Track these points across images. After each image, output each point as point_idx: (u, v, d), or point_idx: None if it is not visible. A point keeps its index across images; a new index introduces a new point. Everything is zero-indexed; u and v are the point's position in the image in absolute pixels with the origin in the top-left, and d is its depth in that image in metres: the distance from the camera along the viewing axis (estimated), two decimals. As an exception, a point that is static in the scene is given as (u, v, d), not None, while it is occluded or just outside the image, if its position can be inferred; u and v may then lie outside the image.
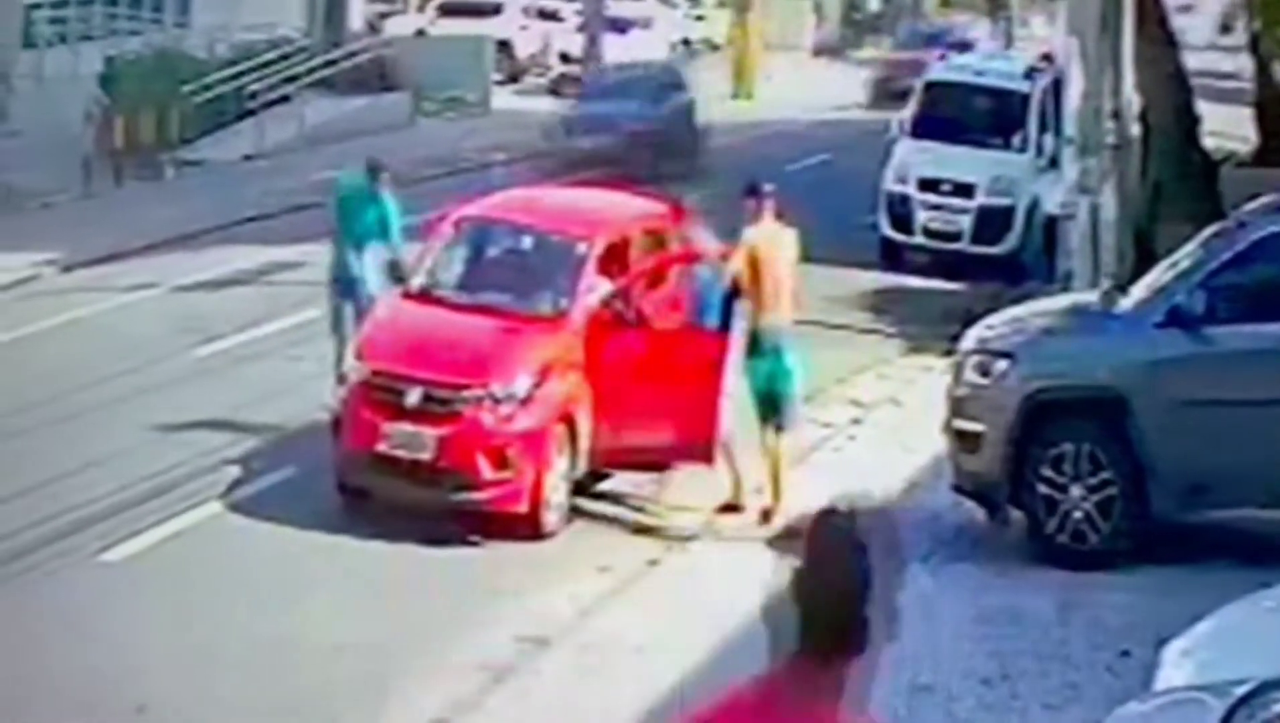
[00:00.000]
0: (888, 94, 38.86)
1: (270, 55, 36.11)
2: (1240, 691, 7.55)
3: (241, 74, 35.06)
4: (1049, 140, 24.10)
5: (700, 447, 14.81)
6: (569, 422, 14.69)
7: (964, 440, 13.90)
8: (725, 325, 14.77)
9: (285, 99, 35.80)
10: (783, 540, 5.17)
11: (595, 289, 15.04)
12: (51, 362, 19.65)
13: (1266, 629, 8.85)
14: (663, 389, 14.62)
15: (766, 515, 14.68)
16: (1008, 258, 24.63)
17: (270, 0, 38.14)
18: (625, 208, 16.43)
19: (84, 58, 33.35)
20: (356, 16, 46.25)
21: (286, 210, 27.83)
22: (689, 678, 11.54)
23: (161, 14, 37.15)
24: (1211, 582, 11.11)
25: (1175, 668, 8.68)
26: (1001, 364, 13.77)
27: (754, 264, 14.63)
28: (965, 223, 25.21)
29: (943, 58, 29.71)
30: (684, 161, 29.39)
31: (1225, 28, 49.54)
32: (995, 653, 11.82)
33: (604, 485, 15.40)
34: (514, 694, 11.51)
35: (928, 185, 25.41)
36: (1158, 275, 14.25)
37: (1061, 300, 16.54)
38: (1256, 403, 12.91)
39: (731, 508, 14.91)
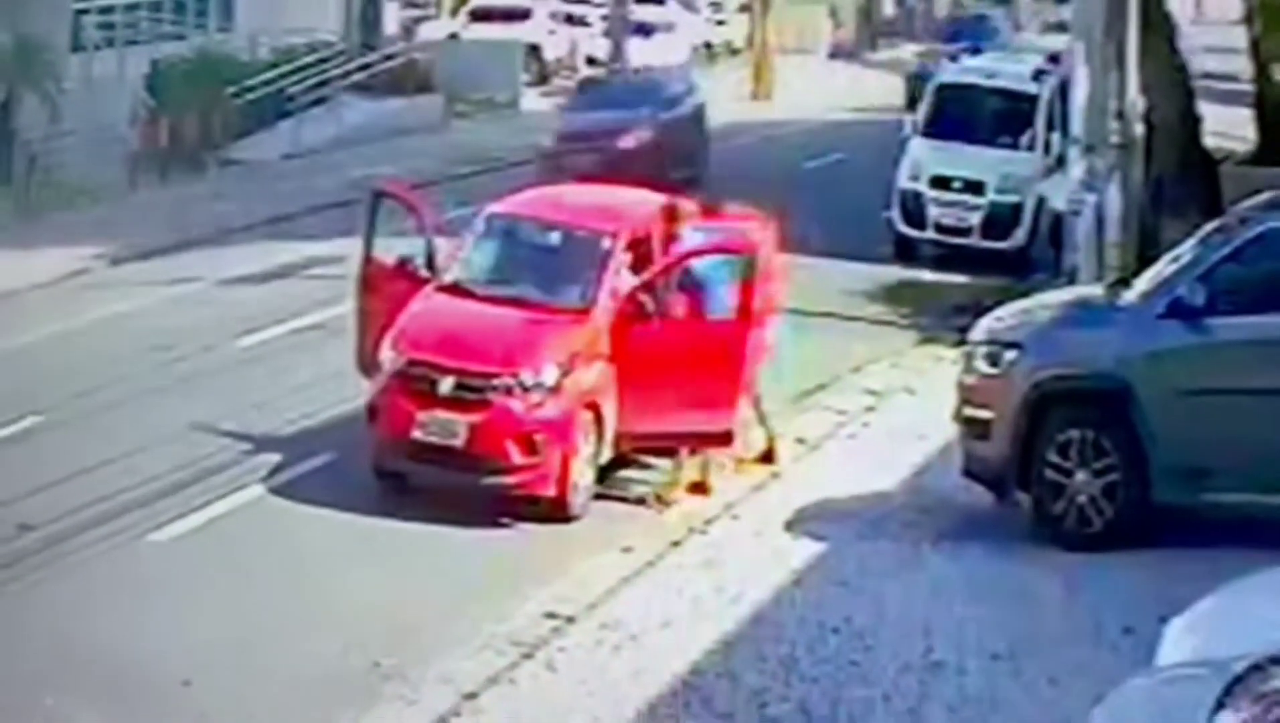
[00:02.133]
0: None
1: (309, 59, 36.19)
2: (1238, 667, 7.51)
3: (281, 77, 35.14)
4: (1056, 140, 24.03)
5: (719, 432, 14.84)
6: (594, 409, 14.72)
7: (974, 427, 13.86)
8: (744, 314, 14.78)
9: (323, 101, 35.88)
10: None
11: (620, 282, 15.06)
12: (100, 351, 19.75)
13: (1264, 608, 8.79)
14: (683, 377, 14.62)
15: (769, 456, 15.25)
16: (1016, 252, 24.60)
17: (309, 6, 38.17)
18: (647, 204, 16.45)
19: (131, 61, 33.43)
20: (391, 21, 46.28)
21: (324, 207, 27.89)
22: (708, 653, 11.59)
23: (205, 19, 37.21)
24: (1211, 563, 11.03)
25: (1176, 645, 8.65)
26: (1010, 354, 13.72)
27: None
28: (975, 219, 25.19)
29: (954, 59, 29.67)
30: (692, 169, 28.55)
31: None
32: (1004, 630, 11.81)
33: (627, 470, 15.41)
34: (542, 668, 11.51)
35: (940, 183, 25.38)
36: (1160, 269, 14.19)
37: (1067, 293, 16.46)
38: (1254, 392, 12.83)
39: (767, 458, 15.52)
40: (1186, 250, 13.98)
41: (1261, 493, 12.64)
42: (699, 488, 15.08)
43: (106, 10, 34.22)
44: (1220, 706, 7.23)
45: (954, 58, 30.10)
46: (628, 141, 29.19)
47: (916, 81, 36.26)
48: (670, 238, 15.73)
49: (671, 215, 16.01)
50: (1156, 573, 12.38)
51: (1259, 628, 8.20)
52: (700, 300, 15.11)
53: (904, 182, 25.65)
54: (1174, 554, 12.75)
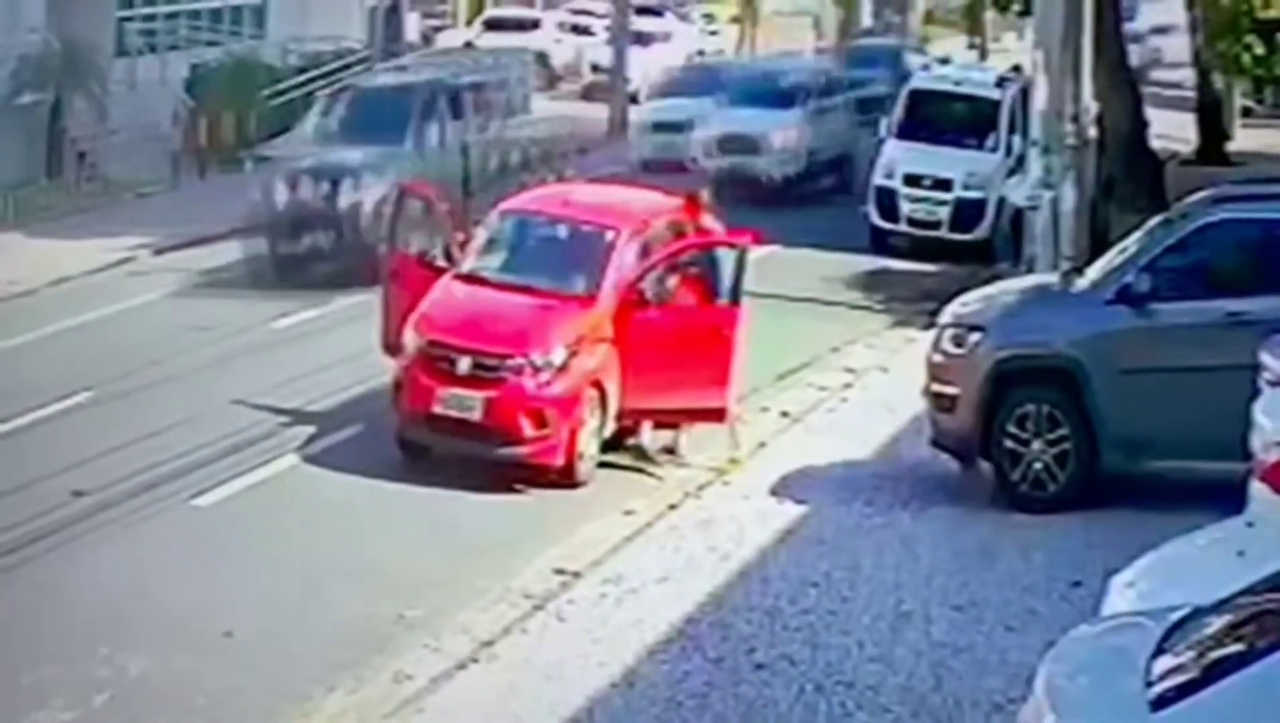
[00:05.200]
0: None
1: (335, 64, 36.08)
2: (1175, 616, 7.55)
3: (310, 81, 35.04)
4: (1017, 141, 24.06)
5: (713, 408, 14.93)
6: (599, 387, 14.76)
7: (941, 402, 13.92)
8: (735, 301, 14.90)
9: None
10: None
11: (624, 272, 15.12)
12: (146, 333, 19.68)
13: (1199, 564, 8.76)
14: (681, 358, 14.66)
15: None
16: (980, 244, 24.58)
17: (336, 16, 38.03)
18: (646, 201, 16.53)
19: (171, 65, 33.27)
20: (412, 30, 46.15)
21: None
22: (701, 605, 11.69)
23: (240, 26, 37.07)
24: (1152, 523, 11.07)
25: (1120, 597, 8.67)
26: (974, 336, 13.77)
27: None
28: (944, 213, 25.23)
29: (926, 68, 29.73)
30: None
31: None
32: (966, 584, 11.87)
33: (629, 441, 15.46)
34: (552, 618, 11.55)
35: (911, 180, 25.42)
36: (1109, 259, 14.21)
37: (1026, 281, 16.45)
38: (1193, 370, 12.88)
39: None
40: (1133, 242, 14.02)
41: (1198, 460, 12.66)
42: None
43: (149, 18, 34.07)
44: (1159, 651, 7.25)
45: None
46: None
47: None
48: (676, 231, 15.80)
49: (692, 209, 16.07)
50: (1103, 533, 12.44)
51: (1194, 581, 8.16)
52: (713, 286, 15.20)
53: (879, 179, 25.70)
54: (1119, 516, 12.80)
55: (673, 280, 15.29)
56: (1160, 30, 48.53)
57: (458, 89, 24.78)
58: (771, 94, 29.87)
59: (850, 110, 31.22)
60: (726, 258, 15.10)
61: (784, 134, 28.80)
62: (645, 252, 15.36)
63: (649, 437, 15.40)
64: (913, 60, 36.54)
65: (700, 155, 28.91)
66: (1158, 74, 44.49)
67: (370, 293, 17.79)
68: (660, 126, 31.77)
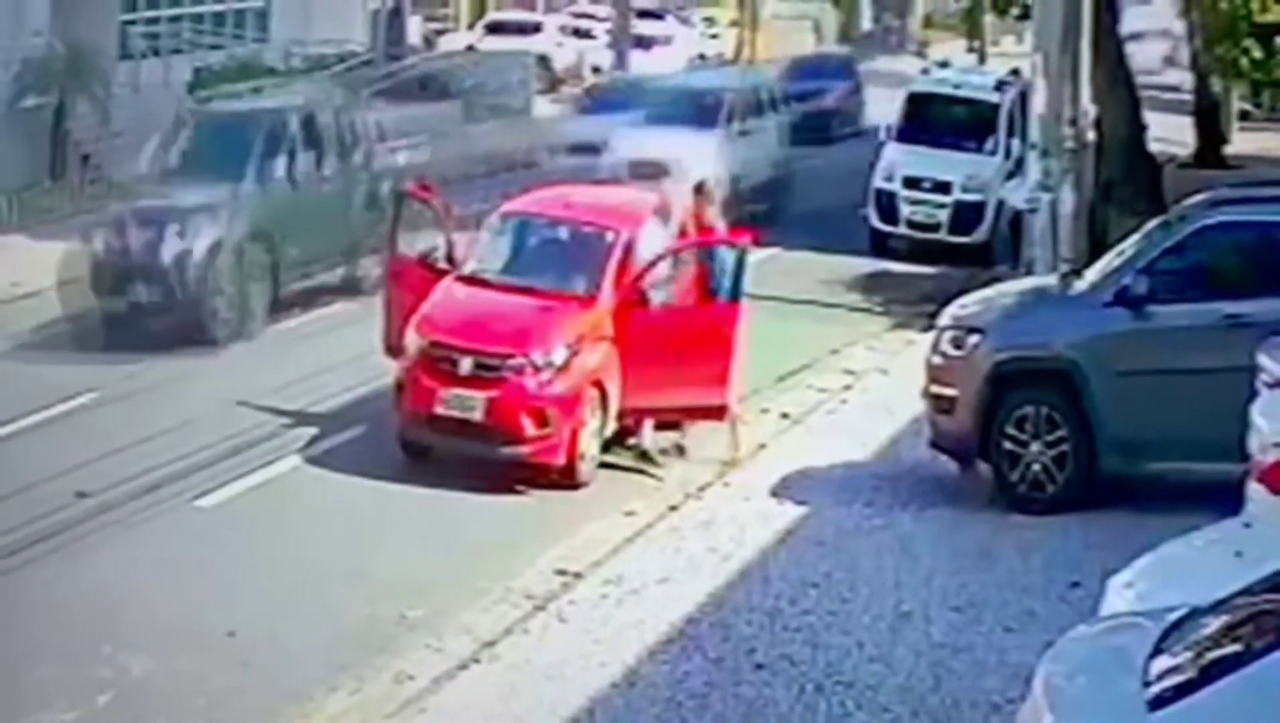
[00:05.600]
0: None
1: (338, 67, 36.11)
2: (1173, 616, 7.54)
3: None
4: (1016, 144, 24.10)
5: (714, 407, 14.93)
6: (600, 386, 14.77)
7: (940, 403, 13.92)
8: (735, 299, 14.90)
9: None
10: None
11: (625, 272, 15.12)
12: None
13: (1196, 564, 8.76)
14: (681, 357, 14.66)
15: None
16: (979, 246, 24.62)
17: (339, 19, 38.03)
18: (645, 201, 16.55)
19: (174, 69, 33.29)
20: (414, 33, 46.18)
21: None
22: (702, 606, 11.68)
23: (243, 30, 37.07)
24: (1150, 524, 11.09)
25: (1118, 597, 8.66)
26: (973, 338, 13.78)
27: None
28: (943, 216, 25.27)
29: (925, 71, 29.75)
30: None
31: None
32: (965, 585, 11.88)
33: (630, 441, 15.45)
34: (553, 619, 11.56)
35: (911, 183, 25.45)
36: (1107, 262, 14.22)
37: (1025, 283, 16.46)
38: (1190, 372, 12.87)
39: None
40: (1131, 245, 14.03)
41: (1196, 462, 12.65)
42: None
43: (152, 21, 34.08)
44: (1157, 651, 7.25)
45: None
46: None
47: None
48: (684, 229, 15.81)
49: (700, 204, 16.06)
50: (1101, 534, 12.45)
51: (1192, 582, 8.16)
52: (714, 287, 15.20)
53: (879, 181, 25.73)
54: (1117, 517, 12.80)
55: (673, 279, 15.28)
56: (1135, 37, 48.68)
57: (312, 115, 21.44)
58: (692, 112, 26.51)
59: (784, 129, 29.04)
60: (725, 257, 15.09)
61: (698, 157, 23.80)
62: (644, 251, 15.34)
63: (650, 437, 15.39)
64: (911, 65, 36.07)
65: (609, 180, 24.13)
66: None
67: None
68: (575, 149, 27.68)
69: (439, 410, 14.64)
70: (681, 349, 14.69)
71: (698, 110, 26.84)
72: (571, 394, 14.54)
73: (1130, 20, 49.99)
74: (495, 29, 46.64)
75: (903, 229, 25.48)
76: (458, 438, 14.67)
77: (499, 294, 15.34)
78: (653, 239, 15.40)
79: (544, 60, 41.97)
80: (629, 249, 15.28)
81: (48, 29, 29.64)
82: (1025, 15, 26.59)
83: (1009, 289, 15.59)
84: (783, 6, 54.73)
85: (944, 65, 30.50)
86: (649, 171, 23.71)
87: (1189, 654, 7.18)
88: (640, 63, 40.78)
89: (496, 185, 23.51)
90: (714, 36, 54.73)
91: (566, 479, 14.56)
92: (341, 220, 21.04)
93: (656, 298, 15.14)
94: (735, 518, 13.53)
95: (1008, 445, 13.48)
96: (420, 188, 17.40)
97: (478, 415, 14.54)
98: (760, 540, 12.98)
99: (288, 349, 18.85)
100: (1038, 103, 18.99)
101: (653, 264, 15.16)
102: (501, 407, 14.48)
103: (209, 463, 14.91)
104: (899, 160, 25.71)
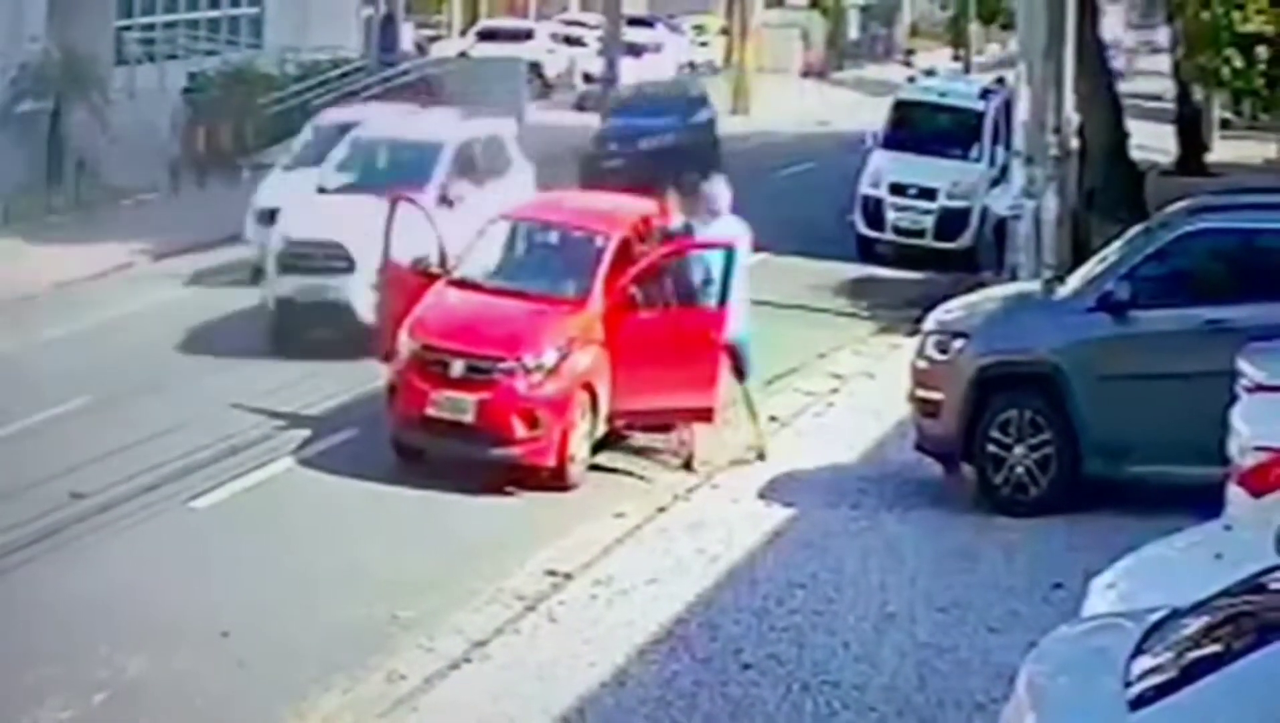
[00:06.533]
0: None
1: (332, 74, 36.09)
2: (1154, 617, 7.54)
3: (307, 90, 35.07)
4: (1000, 152, 24.11)
5: (702, 409, 14.92)
6: (590, 389, 14.78)
7: (925, 407, 13.93)
8: (723, 303, 14.89)
9: (344, 112, 35.66)
10: None
11: (615, 276, 15.11)
12: (144, 338, 19.63)
13: (1177, 566, 8.76)
14: (670, 360, 14.66)
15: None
16: (964, 252, 24.60)
17: (333, 26, 38.04)
18: (634, 206, 16.58)
19: (170, 74, 33.32)
20: (407, 40, 46.18)
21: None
22: (690, 606, 11.67)
23: (237, 36, 37.09)
24: (1132, 527, 11.08)
25: (1100, 598, 8.67)
26: (958, 342, 13.78)
27: None
28: (929, 222, 25.27)
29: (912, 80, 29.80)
30: (704, 173, 27.25)
31: None
32: (949, 586, 11.88)
33: (620, 444, 15.46)
34: (543, 619, 11.56)
35: (897, 189, 25.46)
36: (1090, 268, 14.22)
37: (1009, 288, 16.43)
38: (1172, 376, 12.88)
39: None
40: (1114, 251, 14.05)
41: (1177, 465, 12.66)
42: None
43: (148, 28, 34.12)
44: (1138, 652, 7.25)
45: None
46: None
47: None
48: (662, 236, 15.81)
49: (656, 215, 16.07)
50: (1084, 536, 12.43)
51: (1173, 583, 8.17)
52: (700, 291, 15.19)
53: (865, 188, 25.75)
54: (1100, 519, 12.79)
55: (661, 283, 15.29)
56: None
57: None
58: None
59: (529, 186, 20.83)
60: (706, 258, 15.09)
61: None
62: (634, 254, 15.36)
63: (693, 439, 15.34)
64: (897, 73, 35.29)
65: None
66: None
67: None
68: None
69: (431, 412, 14.65)
70: (670, 352, 14.69)
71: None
72: (562, 397, 14.55)
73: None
74: (487, 36, 46.71)
75: (889, 235, 25.48)
76: (449, 440, 14.68)
77: (490, 298, 15.36)
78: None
79: (535, 67, 41.99)
80: (619, 253, 15.30)
81: (44, 34, 29.63)
82: (1009, 25, 26.62)
83: (993, 294, 15.59)
84: (771, 15, 54.75)
85: (930, 74, 30.53)
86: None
87: (1169, 655, 7.18)
88: (631, 70, 40.83)
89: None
90: (703, 44, 54.81)
91: (556, 481, 14.56)
92: None
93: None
94: (723, 520, 13.54)
95: (992, 449, 13.49)
96: (411, 194, 17.38)
97: (469, 417, 14.55)
98: (748, 542, 12.98)
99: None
100: (1022, 111, 18.99)
101: (644, 268, 15.16)
102: (492, 409, 14.49)
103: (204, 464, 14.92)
104: (885, 167, 25.73)
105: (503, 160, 21.34)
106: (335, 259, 18.33)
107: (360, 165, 20.39)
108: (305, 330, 18.41)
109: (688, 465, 15.08)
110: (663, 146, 29.27)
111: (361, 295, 17.59)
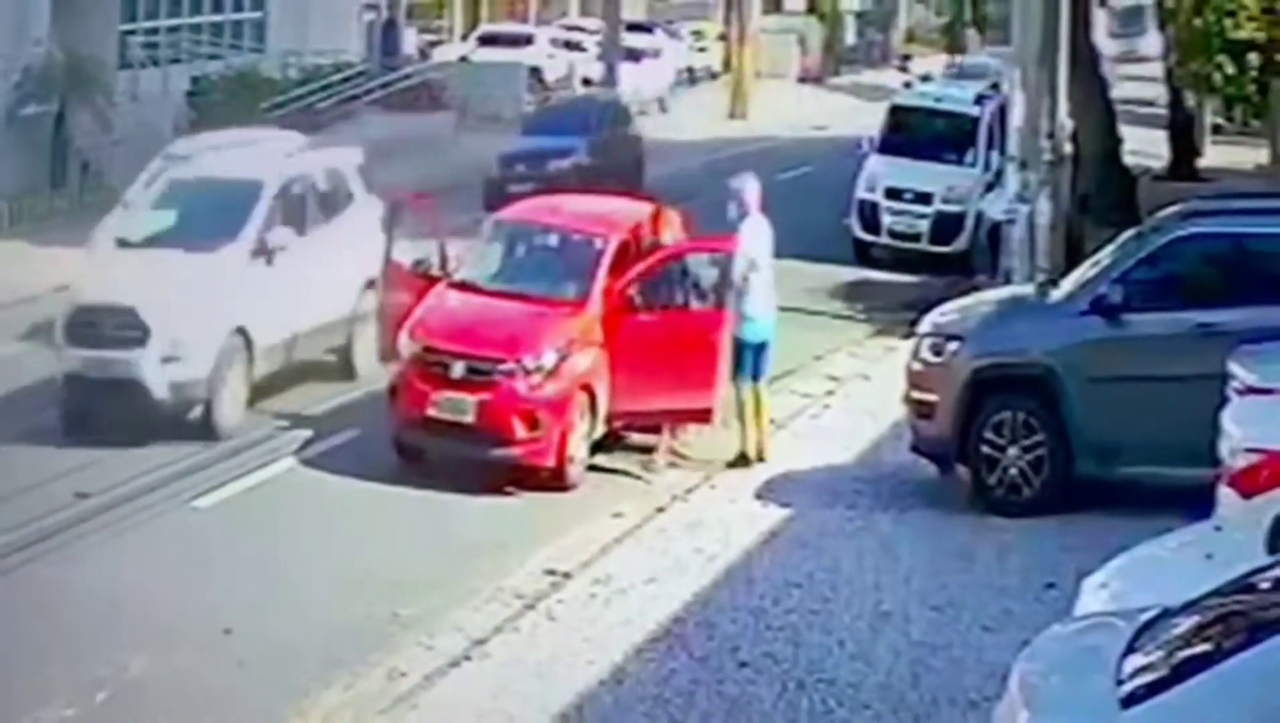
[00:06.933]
0: None
1: (334, 78, 36.12)
2: (1146, 616, 7.57)
3: (309, 94, 35.12)
4: (995, 157, 24.14)
5: (700, 410, 14.96)
6: (589, 390, 14.80)
7: (920, 408, 13.95)
8: (720, 305, 14.92)
9: (347, 116, 35.77)
10: None
11: (614, 278, 15.13)
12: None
13: (1169, 566, 8.83)
14: (668, 362, 14.69)
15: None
16: (959, 256, 24.58)
17: (335, 30, 38.06)
18: (631, 210, 16.60)
19: (173, 78, 33.33)
20: (409, 44, 46.20)
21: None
22: (688, 605, 11.70)
23: (240, 40, 37.09)
24: (1124, 527, 11.13)
25: (1092, 597, 8.73)
26: (952, 345, 13.81)
27: None
28: (924, 226, 25.28)
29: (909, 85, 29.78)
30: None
31: None
32: (944, 585, 11.90)
33: (618, 445, 15.46)
34: (542, 618, 11.58)
35: (893, 194, 25.47)
36: (1083, 271, 14.25)
37: (1003, 292, 16.46)
38: (1163, 378, 12.90)
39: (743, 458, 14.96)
40: (1107, 255, 14.08)
41: (1168, 467, 12.68)
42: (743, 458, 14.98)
43: (151, 31, 34.12)
44: (1130, 650, 7.28)
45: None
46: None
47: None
48: (659, 238, 15.85)
49: (653, 218, 16.07)
50: (1077, 536, 12.45)
51: (1164, 583, 8.21)
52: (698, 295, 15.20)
53: (862, 192, 25.76)
54: (1092, 520, 12.81)
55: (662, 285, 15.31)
56: None
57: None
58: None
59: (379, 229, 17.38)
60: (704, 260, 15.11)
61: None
62: (632, 257, 15.37)
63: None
64: (893, 78, 34.58)
65: None
66: None
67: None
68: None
69: (432, 413, 14.65)
70: (669, 354, 14.70)
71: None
72: (561, 398, 14.57)
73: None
74: (488, 41, 46.64)
75: (885, 239, 25.49)
76: (450, 440, 14.68)
77: (491, 300, 15.36)
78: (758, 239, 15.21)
79: (536, 72, 41.98)
80: (618, 255, 15.32)
81: (48, 38, 29.64)
82: (984, 29, 26.62)
83: (987, 298, 15.63)
84: (769, 21, 54.76)
85: (926, 79, 30.54)
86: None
87: (1161, 653, 7.22)
88: (629, 75, 40.84)
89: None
90: (702, 50, 54.78)
91: (556, 481, 14.57)
92: None
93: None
94: (721, 520, 13.55)
95: (986, 450, 13.51)
96: (416, 196, 17.43)
97: (469, 418, 14.55)
98: (745, 542, 13.00)
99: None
100: (1016, 116, 19.04)
101: (643, 271, 15.18)
102: (492, 410, 14.50)
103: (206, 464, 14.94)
104: (881, 172, 25.74)
105: (341, 197, 18.06)
106: (127, 327, 15.51)
107: (176, 210, 17.02)
108: (95, 412, 15.61)
109: (673, 464, 15.07)
110: (578, 166, 27.17)
111: (154, 370, 15.34)
